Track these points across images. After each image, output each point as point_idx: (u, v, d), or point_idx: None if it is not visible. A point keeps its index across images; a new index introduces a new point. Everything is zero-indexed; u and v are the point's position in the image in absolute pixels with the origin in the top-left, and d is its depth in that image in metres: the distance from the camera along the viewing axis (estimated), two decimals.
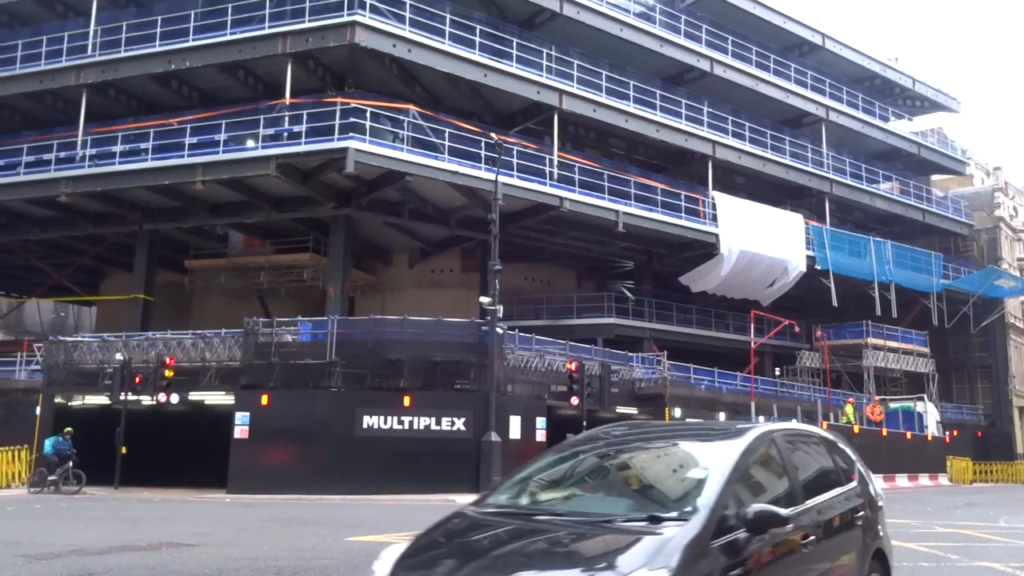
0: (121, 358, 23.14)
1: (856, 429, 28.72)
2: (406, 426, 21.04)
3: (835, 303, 39.91)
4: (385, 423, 21.01)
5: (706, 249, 36.58)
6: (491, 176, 29.09)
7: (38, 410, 24.82)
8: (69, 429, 21.83)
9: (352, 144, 26.23)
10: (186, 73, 30.32)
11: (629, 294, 41.20)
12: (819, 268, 39.62)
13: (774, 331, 36.19)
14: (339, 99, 27.51)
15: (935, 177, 52.78)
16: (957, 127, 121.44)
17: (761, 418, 30.28)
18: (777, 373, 38.60)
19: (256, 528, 12.46)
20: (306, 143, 26.89)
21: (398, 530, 12.03)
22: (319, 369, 21.37)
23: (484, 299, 22.52)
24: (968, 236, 49.81)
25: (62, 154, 29.80)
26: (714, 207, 36.34)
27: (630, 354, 30.46)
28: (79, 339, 26.72)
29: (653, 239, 36.18)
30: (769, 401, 32.38)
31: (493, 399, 21.25)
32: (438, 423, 21.24)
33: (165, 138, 28.76)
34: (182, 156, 28.17)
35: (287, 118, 27.63)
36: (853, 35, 54.65)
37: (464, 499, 19.74)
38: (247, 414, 21.21)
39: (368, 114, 26.88)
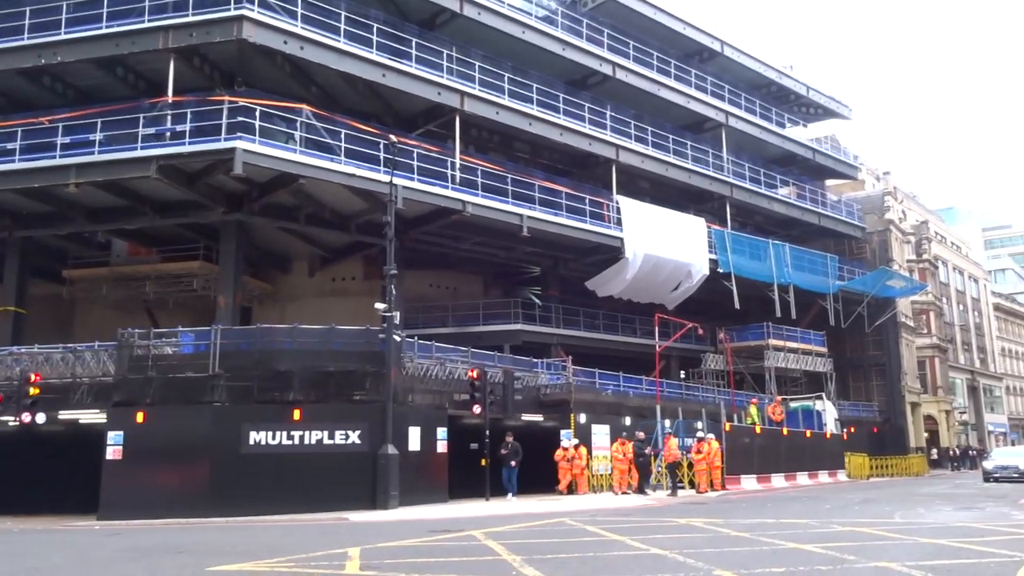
0: None
1: (758, 429, 28.94)
2: (296, 441, 19.80)
3: (737, 305, 40.44)
4: (274, 438, 19.72)
5: (611, 253, 36.48)
6: (393, 180, 28.25)
7: None
8: None
9: (240, 144, 24.88)
10: (59, 69, 28.27)
11: (536, 300, 40.80)
12: (721, 271, 40.09)
13: (678, 334, 36.33)
14: (227, 97, 26.05)
15: (829, 182, 54.45)
16: (849, 133, 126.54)
17: (667, 421, 30.25)
18: (682, 376, 38.81)
19: (106, 561, 11.24)
20: (190, 143, 25.34)
21: (272, 555, 11.06)
22: (201, 383, 19.95)
23: (380, 305, 21.53)
24: (861, 238, 51.46)
25: None
26: (619, 211, 36.27)
27: (535, 360, 29.91)
28: None
29: (559, 243, 35.84)
30: (674, 404, 32.31)
31: (390, 410, 20.27)
32: (331, 437, 20.09)
33: (35, 138, 26.69)
34: (54, 157, 26.21)
35: (170, 117, 25.98)
36: (751, 43, 55.82)
37: (360, 516, 18.88)
38: (120, 433, 19.58)
39: (258, 113, 25.54)
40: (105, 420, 20.08)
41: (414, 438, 21.71)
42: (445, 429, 22.87)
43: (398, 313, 21.80)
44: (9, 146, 26.88)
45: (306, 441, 19.89)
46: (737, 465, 26.97)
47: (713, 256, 39.94)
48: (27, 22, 26.99)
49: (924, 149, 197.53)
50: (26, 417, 20.59)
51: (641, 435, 24.98)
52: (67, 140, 26.35)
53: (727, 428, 26.44)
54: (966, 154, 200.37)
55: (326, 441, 20.08)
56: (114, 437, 19.68)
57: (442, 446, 22.64)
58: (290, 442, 19.86)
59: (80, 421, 22.46)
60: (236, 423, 19.73)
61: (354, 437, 20.28)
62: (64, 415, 22.08)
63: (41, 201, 28.85)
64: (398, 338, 21.99)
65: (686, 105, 40.57)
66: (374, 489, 19.98)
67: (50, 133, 26.60)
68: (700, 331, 35.82)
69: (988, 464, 34.94)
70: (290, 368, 20.55)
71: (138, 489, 19.44)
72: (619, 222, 36.04)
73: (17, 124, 27.20)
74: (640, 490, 24.58)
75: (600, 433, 27.65)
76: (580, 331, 39.04)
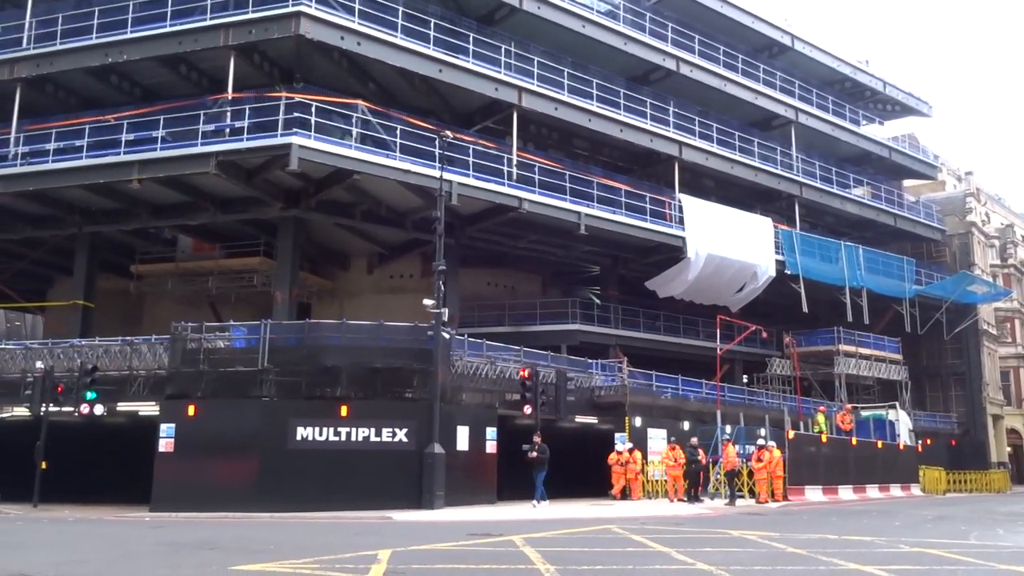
0: (42, 366, 21.59)
1: (824, 438, 27.67)
2: (343, 437, 19.61)
3: (805, 309, 39.04)
4: (320, 434, 19.58)
5: (673, 253, 35.56)
6: (447, 176, 27.92)
7: None
8: None
9: (296, 140, 24.93)
10: (125, 67, 28.89)
11: (596, 300, 40.09)
12: (789, 273, 38.74)
13: (740, 337, 35.17)
14: (283, 94, 26.17)
15: (907, 182, 52.24)
16: (929, 132, 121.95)
17: (728, 427, 29.20)
18: (745, 380, 37.52)
19: (138, 555, 11.08)
20: (248, 139, 25.56)
21: (301, 555, 10.73)
22: (250, 377, 19.94)
23: (428, 301, 21.18)
24: (940, 241, 49.24)
25: None
26: (680, 210, 35.34)
27: (589, 361, 29.23)
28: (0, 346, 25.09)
29: (618, 242, 35.08)
30: (736, 410, 31.24)
31: (437, 408, 19.91)
32: (378, 434, 19.84)
33: (101, 135, 27.26)
34: (118, 153, 26.73)
35: (229, 113, 26.29)
36: (823, 37, 54.09)
37: (404, 515, 18.56)
38: (172, 425, 19.73)
39: (313, 109, 25.59)
40: (158, 412, 20.19)
41: (462, 437, 21.33)
42: (495, 429, 22.43)
43: (446, 310, 21.43)
44: (77, 143, 27.52)
45: (353, 438, 19.68)
46: (801, 475, 25.80)
47: (780, 257, 38.62)
48: (95, 22, 27.65)
49: (1011, 149, 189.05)
50: (84, 408, 20.89)
51: (694, 441, 24.04)
52: (131, 137, 26.90)
53: (790, 436, 25.31)
54: None
55: (373, 438, 19.83)
56: (166, 430, 19.84)
57: (491, 446, 22.21)
58: (337, 438, 19.68)
59: (139, 413, 22.70)
60: (284, 418, 19.66)
61: (401, 435, 19.99)
62: (122, 407, 22.35)
63: (107, 197, 29.49)
64: (447, 335, 21.65)
65: (753, 101, 39.33)
66: (420, 488, 19.64)
67: (115, 130, 27.17)
68: (764, 334, 34.60)
69: None
70: (338, 364, 20.39)
71: (189, 482, 19.55)
72: (681, 221, 35.12)
73: (84, 122, 27.83)
74: (694, 498, 23.67)
75: (656, 437, 26.87)
76: (639, 332, 38.19)
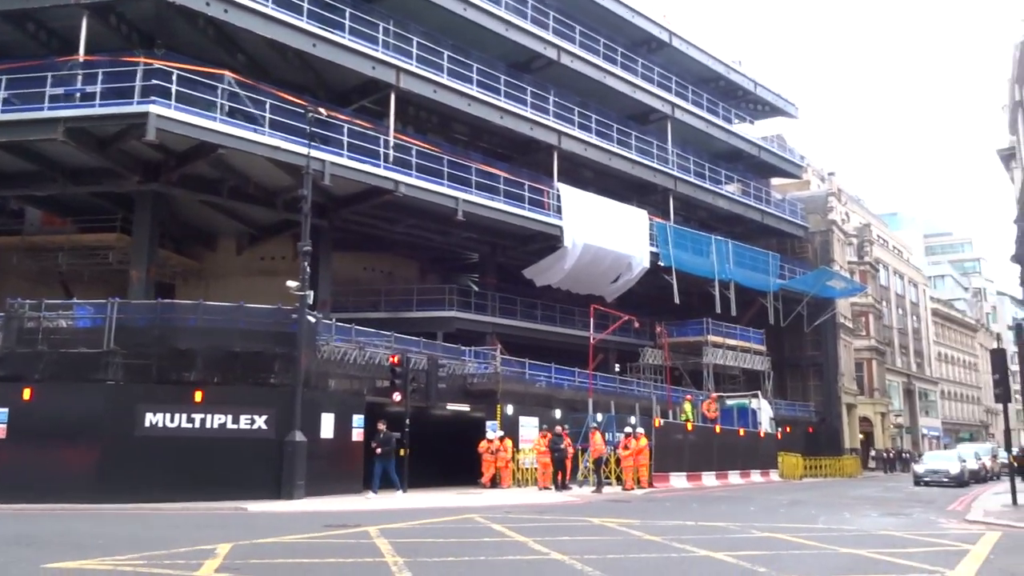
0: None
1: (690, 426, 28.36)
2: (197, 424, 18.46)
3: (677, 300, 39.95)
4: (172, 421, 18.37)
5: (550, 242, 35.64)
6: (320, 155, 26.94)
7: None
8: None
9: (154, 109, 23.34)
10: None
11: (474, 287, 39.80)
12: (662, 265, 39.54)
13: (613, 327, 35.66)
14: (142, 59, 24.45)
15: (775, 180, 54.37)
16: (796, 133, 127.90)
17: (599, 415, 29.52)
18: (617, 369, 38.12)
19: None
20: (101, 106, 23.76)
21: (131, 550, 9.89)
22: (95, 359, 18.50)
23: (291, 283, 20.25)
24: (804, 238, 51.49)
25: None
26: (559, 199, 35.43)
27: (463, 348, 28.89)
28: None
29: (496, 230, 34.87)
30: (608, 398, 31.67)
31: (299, 394, 19.08)
32: (235, 421, 18.79)
33: None
34: None
35: (80, 77, 24.33)
36: (700, 35, 55.30)
37: (260, 506, 17.70)
38: (5, 410, 18.06)
39: (175, 77, 23.99)
40: None
41: (327, 425, 20.54)
42: (362, 416, 21.71)
43: (311, 292, 20.57)
44: None
45: (208, 425, 18.59)
46: (667, 462, 26.35)
47: (654, 249, 39.38)
48: None
49: (870, 152, 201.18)
50: None
51: (559, 429, 24.03)
52: None
53: (657, 424, 25.79)
54: (911, 159, 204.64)
55: (230, 425, 18.79)
56: None
57: (358, 434, 21.49)
58: (190, 425, 18.53)
59: None
60: (131, 403, 18.35)
61: (260, 422, 19.03)
62: None
63: None
64: (312, 319, 20.80)
65: (632, 95, 39.86)
66: (280, 478, 18.76)
67: None
68: (637, 324, 35.17)
69: (919, 468, 34.92)
70: (193, 347, 19.20)
71: (24, 471, 17.94)
72: (559, 210, 35.22)
73: None
74: (562, 486, 23.73)
75: (528, 425, 26.83)
76: (517, 321, 38.14)
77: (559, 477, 23.73)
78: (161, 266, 32.89)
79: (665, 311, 43.35)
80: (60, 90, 24.14)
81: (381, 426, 21.07)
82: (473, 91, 32.19)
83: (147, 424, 18.29)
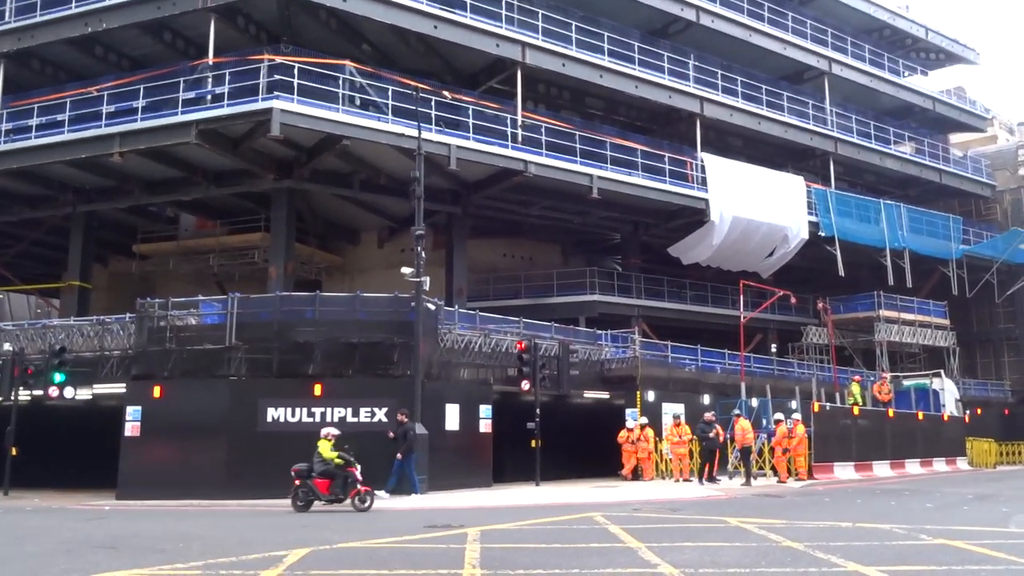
0: (9, 348, 20.54)
1: (856, 411, 25.46)
2: (317, 418, 18.15)
3: (842, 273, 36.58)
4: (292, 415, 18.19)
5: (696, 216, 33.41)
6: (444, 139, 26.29)
7: None
8: None
9: (277, 104, 23.41)
10: (108, 37, 27.78)
11: (618, 268, 38.14)
12: (824, 235, 36.24)
13: (765, 304, 32.90)
14: (265, 56, 24.60)
15: (954, 137, 48.93)
16: (978, 83, 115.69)
17: (753, 400, 27.22)
18: (774, 350, 35.25)
19: (9, 559, 9.72)
20: (228, 105, 24.10)
21: (200, 557, 9.28)
22: (218, 355, 18.61)
23: (406, 270, 19.57)
24: (990, 198, 46.09)
25: None
26: (703, 170, 33.10)
27: (599, 332, 27.37)
28: None
29: (636, 207, 33.02)
30: (764, 382, 29.17)
31: (419, 385, 18.35)
32: (355, 414, 18.37)
33: (83, 108, 26.10)
34: (99, 126, 25.54)
35: (210, 79, 24.83)
36: None
37: (378, 503, 16.98)
38: (139, 408, 18.53)
39: (296, 71, 24.00)
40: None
41: (452, 416, 19.76)
42: (489, 407, 20.80)
43: (427, 279, 19.72)
44: (59, 117, 26.40)
45: (327, 418, 18.21)
46: (831, 451, 23.73)
47: (814, 219, 36.13)
48: None
49: None
50: (53, 392, 19.79)
51: (707, 416, 22.00)
52: (112, 109, 25.66)
53: (816, 409, 23.23)
54: None
55: (349, 419, 18.36)
56: (132, 412, 18.68)
57: (485, 425, 20.58)
58: (310, 419, 18.26)
59: (112, 395, 21.56)
60: (253, 399, 18.31)
61: (380, 415, 18.52)
62: (97, 389, 21.26)
63: (98, 174, 28.43)
64: (432, 307, 20.03)
65: (782, 52, 36.72)
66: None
67: (97, 103, 25.97)
68: (793, 300, 32.22)
69: None
70: (311, 339, 18.92)
71: (155, 467, 18.40)
72: (704, 182, 32.90)
73: (67, 96, 26.70)
74: (711, 478, 21.76)
75: (672, 413, 24.94)
76: (664, 302, 36.15)
77: (706, 469, 21.79)
78: (306, 263, 33.58)
79: (830, 285, 39.87)
80: (191, 94, 24.73)
81: (402, 417, 18.06)
82: (605, 62, 30.52)
83: (269, 419, 18.18)
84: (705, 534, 11.76)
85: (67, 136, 25.97)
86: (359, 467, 15.44)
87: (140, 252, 34.29)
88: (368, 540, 10.89)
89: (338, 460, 15.35)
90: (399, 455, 17.54)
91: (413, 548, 10.34)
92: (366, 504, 15.16)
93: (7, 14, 27.89)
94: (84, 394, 21.23)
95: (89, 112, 25.93)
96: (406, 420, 17.89)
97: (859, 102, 40.46)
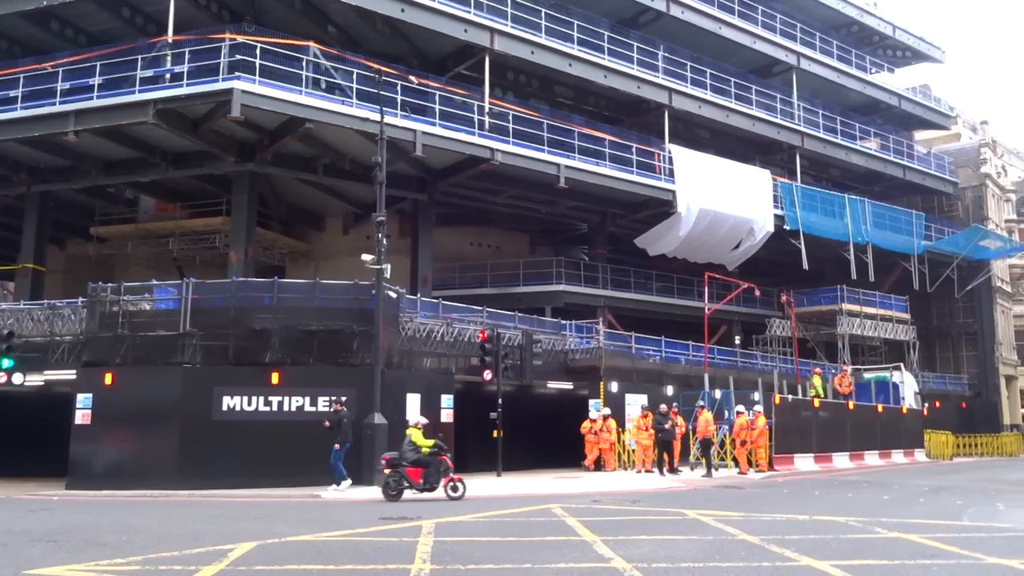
0: None
1: (817, 403, 25.63)
2: (274, 407, 17.82)
3: (806, 266, 36.85)
4: (249, 404, 17.80)
5: (663, 208, 33.40)
6: (409, 124, 25.94)
7: None
8: None
9: (237, 85, 22.88)
10: (65, 11, 26.94)
11: (586, 259, 38.04)
12: (789, 228, 36.45)
13: (730, 296, 33.03)
14: (227, 35, 24.01)
15: (919, 134, 49.55)
16: (942, 81, 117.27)
17: (716, 392, 27.29)
18: (738, 342, 35.43)
19: None
20: (187, 85, 23.50)
21: (143, 551, 8.97)
22: (172, 342, 18.14)
23: (367, 257, 19.26)
24: (953, 195, 46.69)
25: None
26: (671, 161, 33.05)
27: (563, 322, 27.26)
28: None
29: (604, 197, 32.93)
30: (727, 373, 29.28)
31: (378, 373, 18.06)
32: (313, 403, 18.04)
33: (38, 84, 25.31)
34: (53, 104, 24.78)
35: (169, 58, 24.20)
36: None
37: (334, 494, 16.67)
38: (90, 395, 18.03)
39: (258, 51, 23.48)
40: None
41: (413, 406, 19.48)
42: (451, 397, 20.57)
43: (388, 266, 19.42)
44: (11, 93, 25.59)
45: (285, 408, 17.92)
46: (791, 443, 23.87)
47: (780, 212, 36.31)
48: None
49: None
50: (1, 378, 19.18)
51: (663, 408, 21.94)
52: (67, 86, 24.90)
53: (777, 401, 23.34)
54: None
55: (307, 408, 18.05)
56: (83, 400, 18.17)
57: (447, 415, 20.36)
58: (267, 408, 17.93)
59: (62, 382, 20.99)
60: (207, 386, 17.88)
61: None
62: (48, 375, 20.67)
63: (54, 154, 27.70)
64: (393, 295, 19.74)
65: (751, 46, 36.77)
66: (360, 462, 17.82)
67: (52, 79, 25.20)
68: (756, 292, 32.35)
69: None
70: (268, 326, 18.51)
71: (106, 457, 17.95)
72: (671, 173, 32.86)
73: (20, 71, 25.88)
74: (672, 470, 21.74)
75: (636, 404, 24.92)
76: (630, 293, 36.15)
77: (666, 460, 21.76)
78: (269, 248, 33.06)
79: (795, 279, 40.25)
80: (149, 72, 24.08)
81: (337, 406, 17.37)
82: (574, 50, 30.32)
83: (224, 408, 17.79)
84: (662, 527, 11.68)
85: (20, 113, 25.19)
86: (450, 455, 15.41)
87: (98, 235, 33.51)
88: (318, 533, 10.63)
89: (432, 448, 15.07)
90: (337, 445, 16.98)
91: (364, 541, 10.12)
92: (458, 492, 15.08)
93: None
94: (35, 380, 20.64)
95: (43, 88, 25.15)
96: (342, 408, 17.30)
97: (826, 97, 40.70)
